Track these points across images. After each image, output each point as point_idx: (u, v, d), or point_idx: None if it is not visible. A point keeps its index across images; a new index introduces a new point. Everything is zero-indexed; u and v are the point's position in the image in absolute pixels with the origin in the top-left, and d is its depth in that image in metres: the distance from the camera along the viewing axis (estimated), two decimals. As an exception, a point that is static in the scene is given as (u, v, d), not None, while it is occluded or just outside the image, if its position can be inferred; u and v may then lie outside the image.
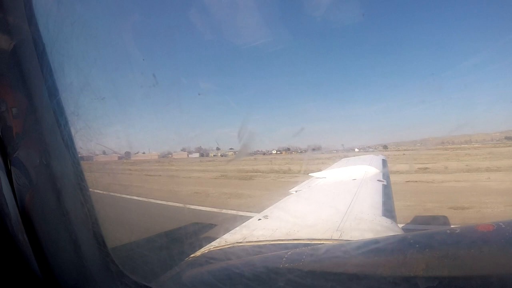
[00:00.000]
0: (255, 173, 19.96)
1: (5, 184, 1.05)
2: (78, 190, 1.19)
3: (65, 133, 1.16)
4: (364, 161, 5.14)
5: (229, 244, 1.79)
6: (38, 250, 1.07)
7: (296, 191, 3.76)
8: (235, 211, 8.87)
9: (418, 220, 7.00)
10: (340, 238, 1.77)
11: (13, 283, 1.05)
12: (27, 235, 1.06)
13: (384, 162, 5.16)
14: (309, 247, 1.58)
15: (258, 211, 2.63)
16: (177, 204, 9.79)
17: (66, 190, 1.16)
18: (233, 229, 2.15)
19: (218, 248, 1.74)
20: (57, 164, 1.14)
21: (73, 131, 1.19)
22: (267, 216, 2.44)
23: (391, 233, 1.82)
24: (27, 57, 1.09)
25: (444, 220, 6.92)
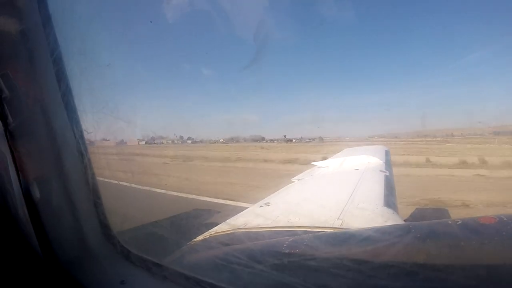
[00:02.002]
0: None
1: (8, 159, 1.06)
2: (81, 165, 1.20)
3: (70, 114, 1.17)
4: (367, 151, 5.12)
5: (230, 230, 1.81)
6: (38, 226, 1.08)
7: (298, 180, 3.77)
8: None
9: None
10: (341, 227, 1.77)
11: (12, 259, 1.07)
12: (28, 211, 1.06)
13: (387, 153, 5.14)
14: (310, 234, 1.60)
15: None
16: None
17: (69, 166, 1.16)
18: (234, 215, 2.17)
19: (219, 233, 1.76)
20: (60, 140, 1.14)
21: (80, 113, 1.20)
22: (268, 203, 2.45)
23: (392, 223, 1.82)
24: (34, 34, 1.09)
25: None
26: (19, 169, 1.05)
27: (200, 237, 1.72)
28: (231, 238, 1.68)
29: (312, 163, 4.75)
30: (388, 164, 4.19)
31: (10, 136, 1.04)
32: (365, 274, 0.94)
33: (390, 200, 2.41)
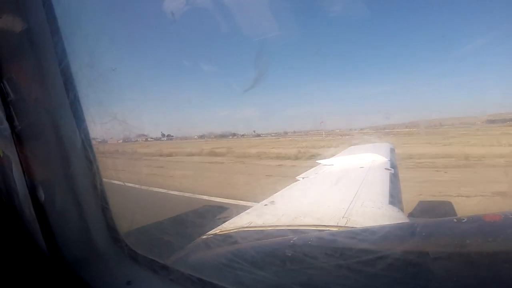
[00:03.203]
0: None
1: (14, 161, 1.07)
2: (88, 169, 1.21)
3: (76, 110, 1.18)
4: (372, 149, 5.09)
5: (235, 229, 1.82)
6: (45, 227, 1.09)
7: (303, 178, 3.76)
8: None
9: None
10: (346, 225, 1.77)
11: (19, 258, 1.08)
12: (34, 210, 1.08)
13: (392, 151, 5.10)
14: (315, 233, 1.60)
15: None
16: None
17: (75, 166, 1.17)
18: (239, 214, 2.18)
19: (224, 232, 1.77)
20: (66, 137, 1.15)
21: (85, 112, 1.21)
22: (273, 202, 2.46)
23: (398, 222, 1.81)
24: (40, 38, 1.09)
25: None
26: (25, 171, 1.06)
27: (205, 236, 1.74)
28: (236, 237, 1.69)
29: (317, 161, 4.74)
30: (393, 161, 4.16)
31: (17, 138, 1.06)
32: (370, 273, 0.94)
33: (395, 198, 2.40)
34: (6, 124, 1.05)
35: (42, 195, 1.08)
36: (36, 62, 1.11)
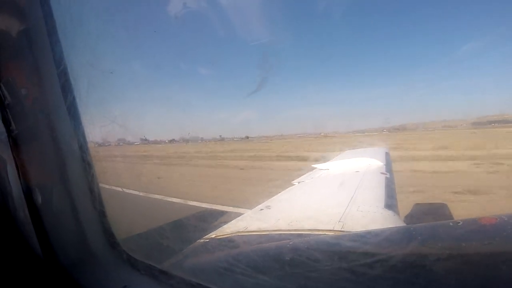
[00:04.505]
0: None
1: (10, 164, 1.06)
2: (84, 173, 1.19)
3: (74, 113, 1.17)
4: (368, 153, 5.12)
5: (230, 234, 1.81)
6: (40, 230, 1.07)
7: (298, 182, 3.76)
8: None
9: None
10: (342, 229, 1.77)
11: (12, 261, 1.06)
12: (29, 212, 1.06)
13: (387, 155, 5.14)
14: (311, 238, 1.59)
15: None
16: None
17: (72, 167, 1.16)
18: (234, 219, 2.17)
19: (220, 237, 1.76)
20: (63, 142, 1.14)
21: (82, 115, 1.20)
22: (269, 206, 2.45)
23: (394, 225, 1.82)
24: (38, 39, 1.09)
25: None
26: (21, 174, 1.05)
27: (201, 240, 1.72)
28: (232, 242, 1.67)
29: (313, 165, 4.75)
30: (389, 165, 4.19)
31: (13, 141, 1.04)
32: (366, 277, 0.94)
33: (390, 202, 2.40)
34: (2, 127, 1.04)
35: (38, 198, 1.07)
36: (33, 64, 1.10)
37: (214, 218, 6.10)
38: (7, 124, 1.04)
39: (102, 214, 1.25)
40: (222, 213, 6.58)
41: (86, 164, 1.20)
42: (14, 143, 1.04)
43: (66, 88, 1.15)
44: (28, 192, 1.06)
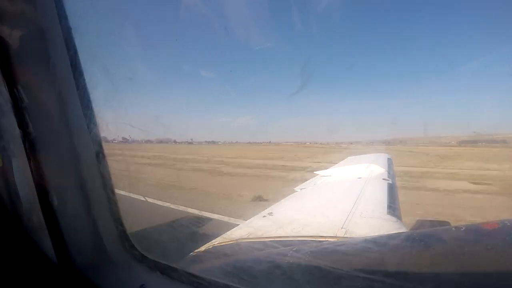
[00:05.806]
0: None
1: (23, 162, 1.06)
2: (100, 178, 1.20)
3: (89, 116, 1.18)
4: (370, 159, 5.11)
5: (233, 240, 1.81)
6: (54, 231, 1.08)
7: (301, 189, 3.76)
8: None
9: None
10: (345, 236, 1.77)
11: (25, 265, 1.07)
12: (43, 215, 1.06)
13: (390, 161, 5.13)
14: (313, 244, 1.59)
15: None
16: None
17: (87, 170, 1.16)
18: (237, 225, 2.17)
19: (223, 243, 1.76)
20: (77, 143, 1.14)
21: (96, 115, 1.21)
22: (271, 213, 2.45)
23: (396, 231, 1.81)
24: (54, 40, 1.10)
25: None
26: (36, 178, 1.06)
27: (203, 248, 1.72)
28: (235, 249, 1.67)
29: (315, 172, 4.74)
30: (391, 172, 4.18)
31: (29, 145, 1.05)
32: (369, 283, 0.94)
33: (393, 208, 2.39)
34: (18, 131, 1.04)
35: (55, 202, 1.07)
36: (49, 67, 1.10)
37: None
38: (23, 127, 1.05)
39: (116, 216, 1.26)
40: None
41: (102, 167, 1.21)
42: (30, 146, 1.05)
43: (82, 91, 1.16)
44: (43, 195, 1.06)
